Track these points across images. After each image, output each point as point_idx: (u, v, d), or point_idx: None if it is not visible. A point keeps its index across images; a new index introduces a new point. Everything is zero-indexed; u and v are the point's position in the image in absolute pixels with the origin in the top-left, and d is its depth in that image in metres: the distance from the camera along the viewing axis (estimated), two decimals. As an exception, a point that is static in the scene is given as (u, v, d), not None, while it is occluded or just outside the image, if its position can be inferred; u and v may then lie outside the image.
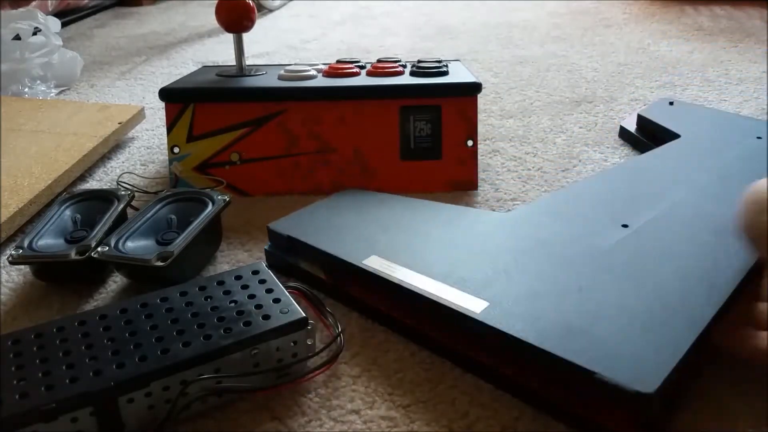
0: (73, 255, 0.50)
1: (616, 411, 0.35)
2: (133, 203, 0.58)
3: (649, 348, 0.37)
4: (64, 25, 1.29)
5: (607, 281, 0.44)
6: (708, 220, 0.51)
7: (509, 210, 0.63)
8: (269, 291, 0.44)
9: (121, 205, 0.56)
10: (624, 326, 0.39)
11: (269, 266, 0.47)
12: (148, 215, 0.55)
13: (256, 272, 0.45)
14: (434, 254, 0.49)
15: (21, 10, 1.04)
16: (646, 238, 0.49)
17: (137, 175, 0.73)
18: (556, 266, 0.46)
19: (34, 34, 0.99)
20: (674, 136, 0.70)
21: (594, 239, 0.49)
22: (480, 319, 0.41)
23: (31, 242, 0.51)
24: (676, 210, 0.53)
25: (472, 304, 0.42)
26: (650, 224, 0.51)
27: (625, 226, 0.50)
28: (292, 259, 0.53)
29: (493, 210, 0.64)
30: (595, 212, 0.53)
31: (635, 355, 0.37)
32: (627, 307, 0.41)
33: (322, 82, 0.68)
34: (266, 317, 0.41)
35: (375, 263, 0.48)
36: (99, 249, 0.50)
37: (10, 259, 0.50)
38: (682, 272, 0.44)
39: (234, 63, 0.72)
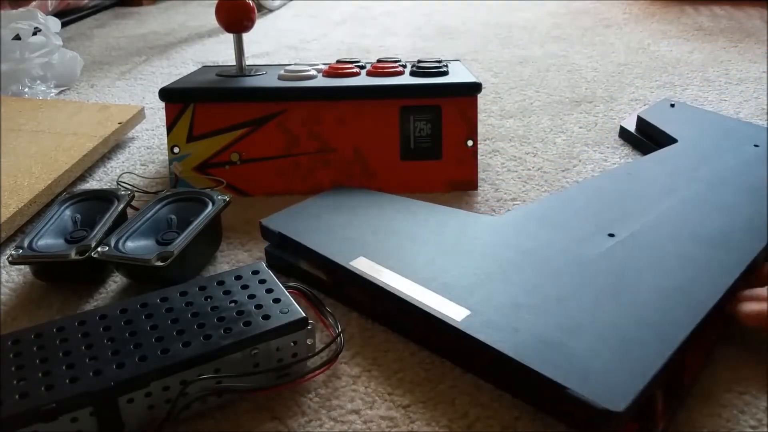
0: (73, 255, 0.50)
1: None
2: (133, 203, 0.58)
3: (622, 365, 0.37)
4: (64, 25, 1.29)
5: (587, 293, 0.44)
6: (694, 233, 0.51)
7: (500, 212, 0.63)
8: (269, 291, 0.44)
9: (121, 205, 0.56)
10: (600, 341, 0.40)
11: (269, 266, 0.47)
12: (148, 215, 0.55)
13: (256, 272, 0.46)
14: (421, 258, 0.49)
15: (21, 10, 1.04)
16: (631, 249, 0.49)
17: (137, 175, 0.73)
18: (540, 275, 0.46)
19: (34, 34, 0.99)
20: (672, 140, 0.70)
21: (579, 248, 0.49)
22: (461, 327, 0.41)
23: (31, 242, 0.51)
24: (663, 220, 0.53)
25: (454, 312, 0.42)
26: (636, 235, 0.51)
27: (611, 235, 0.51)
28: (293, 259, 0.53)
29: (493, 210, 0.64)
30: (583, 220, 0.53)
31: (608, 372, 0.37)
32: (604, 321, 0.41)
33: (322, 82, 0.68)
34: (266, 317, 0.41)
35: (362, 265, 0.48)
36: (99, 249, 0.50)
37: (10, 259, 0.50)
38: (663, 287, 0.45)
39: (234, 63, 0.72)
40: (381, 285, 0.45)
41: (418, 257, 0.49)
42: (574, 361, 0.38)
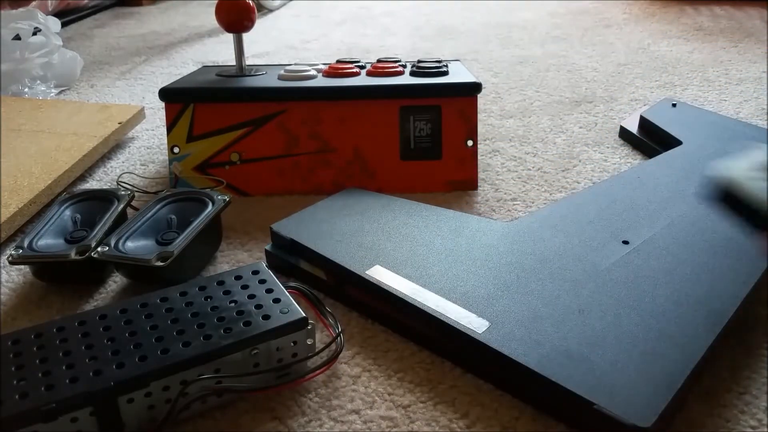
0: (73, 255, 0.50)
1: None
2: (133, 203, 0.58)
3: (647, 379, 0.38)
4: (64, 25, 1.29)
5: (606, 303, 0.44)
6: (707, 240, 0.51)
7: (513, 219, 0.62)
8: (269, 291, 0.44)
9: (121, 205, 0.56)
10: (622, 354, 0.40)
11: (269, 266, 0.47)
12: (148, 215, 0.55)
13: (256, 272, 0.45)
14: (437, 266, 0.48)
15: (21, 10, 1.04)
16: (646, 257, 0.49)
17: (137, 175, 0.73)
18: (557, 285, 0.46)
19: (34, 34, 0.99)
20: (676, 141, 0.70)
21: (594, 256, 0.49)
22: (482, 340, 0.41)
23: (31, 242, 0.51)
24: (675, 227, 0.53)
25: (475, 324, 0.42)
26: (650, 242, 0.51)
27: (625, 242, 0.51)
28: (293, 259, 0.53)
29: (493, 210, 0.64)
30: (596, 226, 0.53)
31: (633, 387, 0.37)
32: (626, 333, 0.41)
33: (322, 82, 0.68)
34: (266, 317, 0.41)
35: (379, 274, 0.48)
36: (99, 249, 0.50)
37: (10, 259, 0.50)
38: (680, 297, 0.45)
39: (234, 63, 0.72)
40: (400, 295, 0.45)
41: (434, 265, 0.49)
42: (599, 375, 0.38)
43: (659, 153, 0.70)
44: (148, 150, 0.80)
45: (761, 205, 0.44)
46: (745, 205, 0.45)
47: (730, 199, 0.46)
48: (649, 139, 0.76)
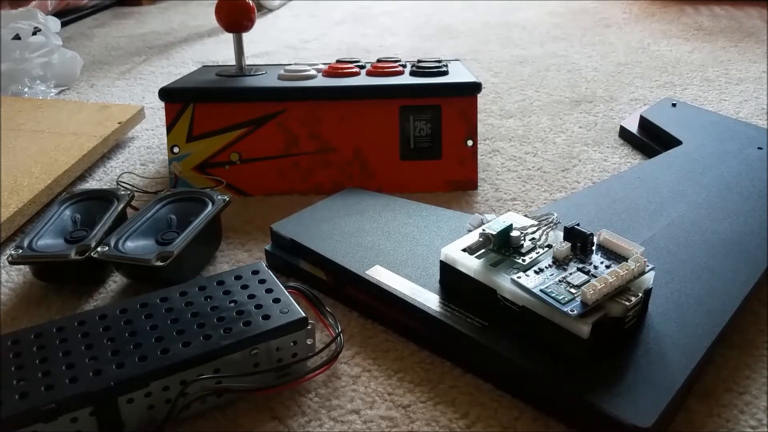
0: (72, 255, 0.50)
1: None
2: (133, 203, 0.58)
3: (646, 379, 0.37)
4: (64, 25, 1.29)
5: None
6: (706, 240, 0.51)
7: (501, 213, 0.62)
8: (269, 291, 0.44)
9: (121, 205, 0.56)
10: (622, 354, 0.39)
11: (269, 266, 0.47)
12: (148, 215, 0.55)
13: (256, 272, 0.45)
14: (437, 266, 0.48)
15: (21, 10, 1.04)
16: (646, 257, 0.49)
17: (137, 175, 0.73)
18: None
19: (34, 34, 0.99)
20: (676, 141, 0.70)
21: None
22: (481, 339, 0.41)
23: (30, 242, 0.51)
24: (675, 226, 0.53)
25: (474, 323, 0.42)
26: (649, 243, 0.50)
27: None
28: (293, 259, 0.53)
29: (493, 210, 0.64)
30: (595, 226, 0.53)
31: (632, 387, 0.37)
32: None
33: (322, 82, 0.68)
34: (266, 317, 0.41)
35: (379, 274, 0.48)
36: (99, 249, 0.50)
37: (10, 259, 0.50)
38: (681, 296, 0.45)
39: (234, 63, 0.72)
40: (400, 296, 0.45)
41: (434, 265, 0.48)
42: (598, 375, 0.38)
43: (659, 153, 0.70)
44: (147, 150, 0.80)
45: None
46: None
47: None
48: (649, 139, 0.76)
